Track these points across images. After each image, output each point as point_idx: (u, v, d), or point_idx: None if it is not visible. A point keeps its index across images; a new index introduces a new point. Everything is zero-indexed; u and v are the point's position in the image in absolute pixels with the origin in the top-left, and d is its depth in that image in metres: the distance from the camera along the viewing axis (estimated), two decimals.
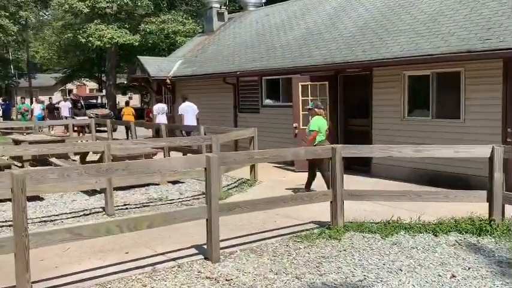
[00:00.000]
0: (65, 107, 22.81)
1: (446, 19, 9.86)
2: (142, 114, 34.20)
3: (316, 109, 8.83)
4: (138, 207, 8.32)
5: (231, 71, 13.99)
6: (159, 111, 16.59)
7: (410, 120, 9.81)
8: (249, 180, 10.32)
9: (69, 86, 50.03)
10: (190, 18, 30.68)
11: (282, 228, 6.74)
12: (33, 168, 5.38)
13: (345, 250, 5.75)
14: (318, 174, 8.75)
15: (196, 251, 5.83)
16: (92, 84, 49.98)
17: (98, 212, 7.95)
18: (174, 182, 10.35)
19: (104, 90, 40.25)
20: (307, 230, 6.60)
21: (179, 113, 14.30)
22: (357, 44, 11.02)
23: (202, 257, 5.60)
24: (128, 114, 22.22)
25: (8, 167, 8.73)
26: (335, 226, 6.41)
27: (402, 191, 6.59)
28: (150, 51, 34.80)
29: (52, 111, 24.89)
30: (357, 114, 11.26)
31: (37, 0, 43.98)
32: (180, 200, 8.85)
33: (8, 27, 38.61)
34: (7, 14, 38.73)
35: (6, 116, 32.50)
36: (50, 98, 34.86)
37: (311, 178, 8.76)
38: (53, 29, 46.19)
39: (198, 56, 17.17)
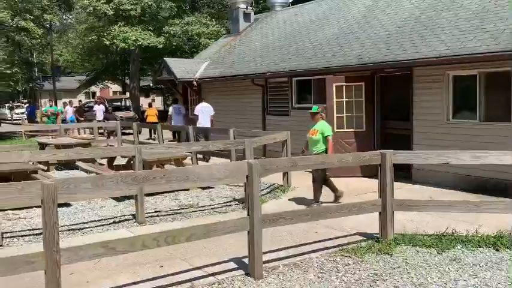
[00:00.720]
0: (100, 110, 22.26)
1: (492, 15, 9.25)
2: (165, 116, 33.96)
3: (322, 113, 8.34)
4: (169, 214, 7.93)
5: (259, 72, 13.55)
6: (176, 112, 16.89)
7: (455, 123, 9.21)
8: (281, 185, 9.86)
9: (92, 88, 50.30)
10: (213, 20, 30.35)
11: (325, 240, 6.26)
12: (64, 178, 5.00)
13: (399, 267, 5.24)
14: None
15: (236, 266, 5.39)
16: (115, 87, 50.18)
17: (128, 220, 7.59)
18: (204, 187, 9.98)
19: (127, 93, 40.29)
20: (353, 242, 6.11)
21: (194, 113, 14.29)
22: (395, 42, 10.47)
23: (243, 273, 5.16)
24: (152, 115, 22.17)
25: (35, 171, 8.45)
26: (384, 239, 5.90)
27: (461, 202, 6.03)
28: (172, 54, 34.57)
29: (82, 113, 24.49)
30: (395, 117, 10.71)
31: (61, 4, 44.31)
32: (212, 206, 8.44)
33: (32, 30, 38.94)
34: (32, 17, 39.08)
35: (31, 119, 32.70)
36: (80, 100, 34.76)
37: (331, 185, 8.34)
38: (76, 32, 46.54)
39: (225, 57, 16.78)
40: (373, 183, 9.96)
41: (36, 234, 6.83)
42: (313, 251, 5.84)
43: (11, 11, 36.67)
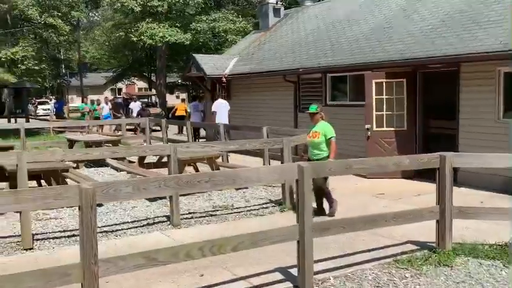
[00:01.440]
0: (136, 107, 21.80)
1: None
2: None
3: (322, 113, 7.44)
4: (204, 216, 7.57)
5: (292, 68, 13.10)
6: (194, 109, 17.12)
7: (505, 123, 8.61)
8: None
9: (118, 85, 50.53)
10: (240, 16, 29.94)
11: (375, 249, 5.80)
12: (103, 182, 4.67)
13: (463, 282, 4.76)
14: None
15: (283, 276, 4.98)
16: (141, 83, 50.31)
17: (162, 222, 7.25)
18: (237, 187, 9.63)
19: (152, 90, 40.28)
20: (407, 252, 5.63)
21: (212, 109, 14.40)
22: (439, 37, 9.89)
23: (291, 285, 4.75)
24: (181, 110, 22.07)
25: (66, 170, 8.20)
26: (442, 249, 5.42)
27: None
28: (197, 51, 34.34)
29: (118, 110, 23.82)
30: (438, 116, 10.14)
31: (88, 1, 44.56)
32: (247, 208, 8.04)
33: (60, 27, 39.21)
34: (59, 14, 39.34)
35: (59, 115, 32.93)
36: (114, 97, 34.20)
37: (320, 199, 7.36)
38: (102, 29, 46.78)
39: (255, 54, 16.37)
40: (414, 186, 9.48)
41: (68, 236, 6.55)
42: (365, 262, 5.39)
43: (39, 8, 36.94)
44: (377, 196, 8.70)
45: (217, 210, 7.94)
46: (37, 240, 6.37)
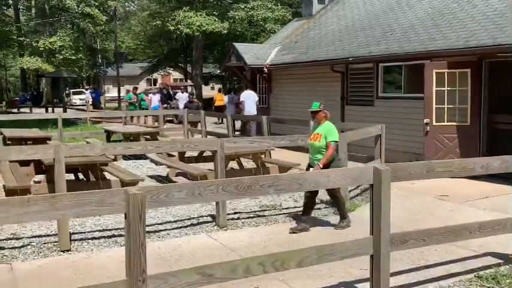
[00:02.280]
0: (183, 99, 20.76)
1: None
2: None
3: (326, 111, 6.43)
4: (252, 217, 6.97)
5: (340, 57, 12.30)
6: (230, 101, 17.02)
7: None
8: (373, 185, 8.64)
9: (154, 75, 50.56)
10: (279, 4, 29.15)
11: (450, 262, 5.07)
12: (153, 187, 4.11)
13: None
14: None
15: None
16: (176, 74, 50.17)
17: (206, 222, 6.69)
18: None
19: (187, 80, 40.02)
20: (488, 266, 4.87)
21: (241, 99, 14.98)
22: (508, 23, 8.90)
23: None
24: (220, 99, 21.65)
25: (105, 164, 7.73)
26: None
27: None
28: (234, 41, 33.73)
29: (165, 101, 22.93)
30: (506, 110, 9.20)
31: None
32: (297, 209, 7.37)
33: (97, 16, 39.27)
34: (96, 3, 39.41)
35: (96, 105, 33.00)
36: (162, 88, 31.72)
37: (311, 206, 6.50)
38: (138, 19, 46.77)
39: (298, 42, 15.62)
40: (480, 187, 8.52)
41: (108, 237, 6.05)
42: (442, 278, 4.68)
43: None
44: (440, 198, 7.89)
45: (265, 211, 7.32)
46: (75, 240, 5.89)
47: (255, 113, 14.64)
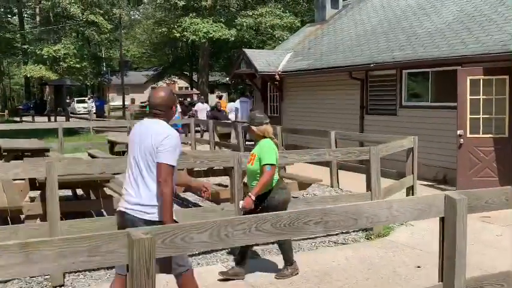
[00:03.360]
0: (203, 110, 18.14)
1: None
2: None
3: (261, 127, 4.75)
4: (272, 242, 6.09)
5: (360, 63, 11.48)
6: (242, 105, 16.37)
7: None
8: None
9: (159, 83, 49.92)
10: (287, 11, 28.46)
11: None
12: (164, 227, 3.29)
13: None
14: None
15: None
16: (182, 83, 49.53)
17: (218, 250, 5.82)
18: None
19: (193, 89, 39.34)
20: None
21: (235, 106, 16.21)
22: None
23: None
24: (223, 107, 20.72)
25: (107, 180, 6.90)
26: None
27: None
28: (240, 48, 33.08)
29: (186, 112, 20.14)
30: None
31: None
32: (329, 238, 6.49)
33: (102, 24, 38.74)
34: (101, 11, 38.87)
35: (100, 114, 32.30)
36: (183, 99, 27.56)
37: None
38: (143, 28, 46.26)
39: (312, 48, 14.82)
40: None
41: (108, 268, 5.19)
42: None
43: (81, 5, 36.52)
44: (482, 220, 7.00)
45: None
46: (70, 273, 5.05)
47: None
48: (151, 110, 3.45)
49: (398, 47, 11.02)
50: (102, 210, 6.99)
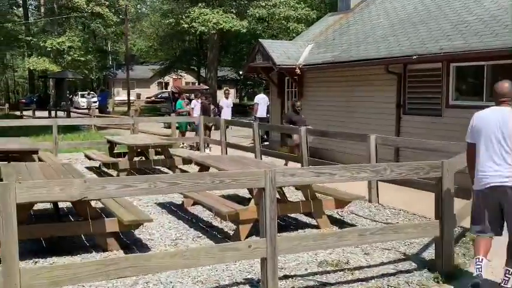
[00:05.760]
0: (228, 108, 16.24)
1: None
2: (244, 111, 31.00)
3: None
4: (312, 286, 4.60)
5: (399, 54, 9.91)
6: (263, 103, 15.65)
7: None
8: (469, 231, 6.19)
9: (166, 78, 48.49)
10: (302, 2, 26.81)
11: None
12: None
13: None
14: None
15: None
16: (189, 78, 48.03)
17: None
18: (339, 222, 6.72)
19: (200, 84, 37.81)
20: None
21: (255, 101, 16.03)
22: None
23: None
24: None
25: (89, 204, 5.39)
26: None
27: None
28: (249, 43, 31.50)
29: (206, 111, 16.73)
30: None
31: None
32: (374, 270, 4.98)
33: (107, 16, 37.35)
34: (106, 3, 37.43)
35: (102, 108, 30.80)
36: (202, 96, 25.67)
37: None
38: (150, 21, 44.82)
39: (336, 39, 13.24)
40: None
41: None
42: None
43: None
44: None
45: (328, 273, 4.93)
46: None
47: (265, 117, 15.55)
48: (500, 99, 4.25)
49: (444, 37, 9.44)
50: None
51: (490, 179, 4.10)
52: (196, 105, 15.81)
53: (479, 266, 4.10)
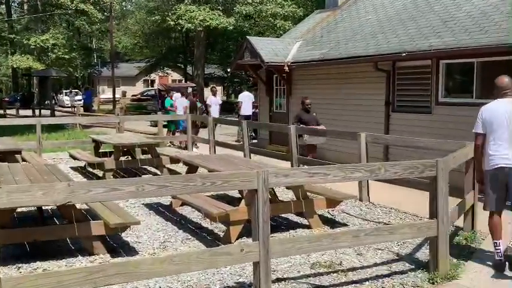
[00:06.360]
0: (216, 106, 15.70)
1: None
2: (231, 108, 30.79)
3: None
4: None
5: (388, 52, 9.84)
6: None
7: None
8: (462, 230, 6.16)
9: (152, 76, 48.01)
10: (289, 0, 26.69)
11: None
12: None
13: None
14: None
15: None
16: (175, 75, 47.61)
17: None
18: (333, 220, 6.63)
19: (187, 81, 37.51)
20: None
21: (239, 99, 15.98)
22: None
23: None
24: None
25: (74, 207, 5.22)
26: None
27: None
28: (236, 41, 31.33)
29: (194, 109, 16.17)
30: None
31: None
32: (368, 271, 4.90)
33: (92, 13, 36.82)
34: (91, 0, 36.89)
35: (87, 107, 30.40)
36: (192, 91, 23.37)
37: None
38: (136, 18, 44.34)
39: (325, 36, 13.15)
40: None
41: None
42: None
43: None
44: None
45: (321, 275, 4.83)
46: None
47: (250, 114, 15.45)
48: (502, 91, 4.73)
49: (433, 33, 9.39)
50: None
51: (500, 160, 4.70)
52: (179, 101, 15.56)
53: (498, 250, 4.65)
